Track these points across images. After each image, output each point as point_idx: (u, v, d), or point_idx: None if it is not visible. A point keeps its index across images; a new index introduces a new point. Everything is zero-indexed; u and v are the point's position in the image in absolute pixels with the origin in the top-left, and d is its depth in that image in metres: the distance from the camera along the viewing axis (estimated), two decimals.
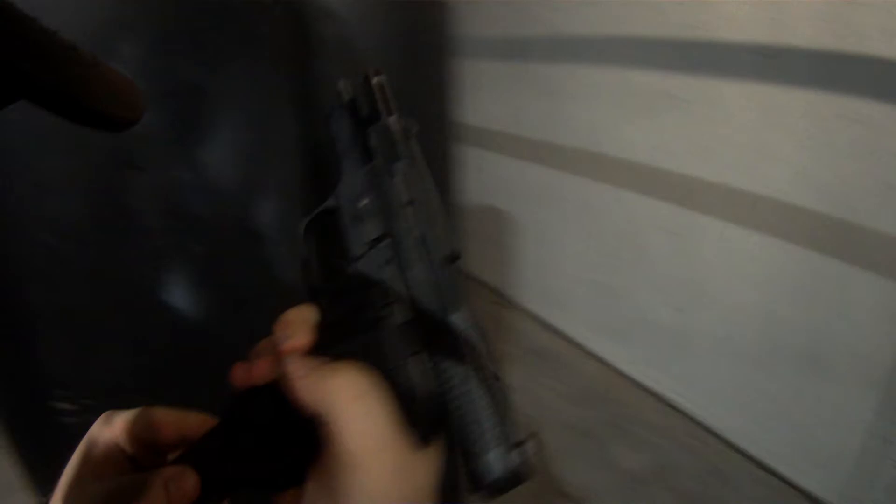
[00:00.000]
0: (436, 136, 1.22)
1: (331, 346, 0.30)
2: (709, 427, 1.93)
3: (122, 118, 0.23)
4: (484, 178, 2.68)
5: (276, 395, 0.29)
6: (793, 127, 1.54)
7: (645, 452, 1.85)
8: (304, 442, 0.27)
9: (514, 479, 0.28)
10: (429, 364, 0.30)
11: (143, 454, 0.32)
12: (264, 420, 0.29)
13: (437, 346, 0.30)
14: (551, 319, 2.56)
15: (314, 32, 0.91)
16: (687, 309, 1.94)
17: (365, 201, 0.35)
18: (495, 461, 0.28)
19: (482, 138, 2.66)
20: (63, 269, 0.62)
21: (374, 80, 0.36)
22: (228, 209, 0.66)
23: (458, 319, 0.31)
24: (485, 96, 2.61)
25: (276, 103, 0.71)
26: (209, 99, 0.62)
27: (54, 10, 0.51)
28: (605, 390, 2.14)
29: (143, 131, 0.56)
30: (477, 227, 2.64)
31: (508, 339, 2.43)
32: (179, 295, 0.66)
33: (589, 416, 1.99)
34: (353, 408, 0.27)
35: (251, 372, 0.30)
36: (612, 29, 1.95)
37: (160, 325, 0.69)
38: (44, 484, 0.81)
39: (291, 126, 0.73)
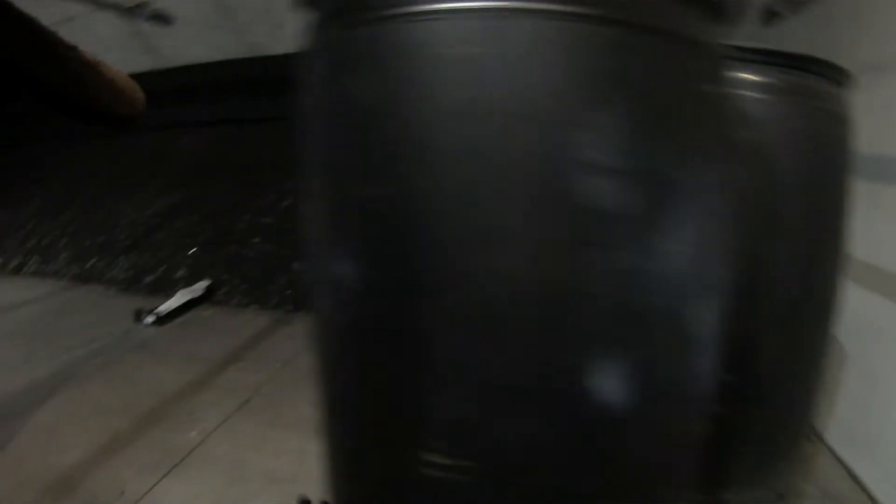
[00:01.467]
0: (832, 263, 1.19)
1: None
2: None
3: (122, 115, 0.21)
4: None
5: None
6: None
7: None
8: None
9: None
10: None
11: None
12: None
13: None
14: (853, 464, 2.33)
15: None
16: None
17: None
18: None
19: None
20: (497, 329, 0.62)
21: None
22: (673, 305, 0.63)
23: None
24: None
25: (729, 202, 0.69)
26: (675, 188, 0.61)
27: (540, 72, 0.54)
28: None
29: (606, 208, 0.57)
30: None
31: (805, 476, 2.39)
32: (602, 383, 0.63)
33: None
34: None
35: None
36: None
37: (570, 409, 0.65)
38: None
39: (738, 228, 0.71)
